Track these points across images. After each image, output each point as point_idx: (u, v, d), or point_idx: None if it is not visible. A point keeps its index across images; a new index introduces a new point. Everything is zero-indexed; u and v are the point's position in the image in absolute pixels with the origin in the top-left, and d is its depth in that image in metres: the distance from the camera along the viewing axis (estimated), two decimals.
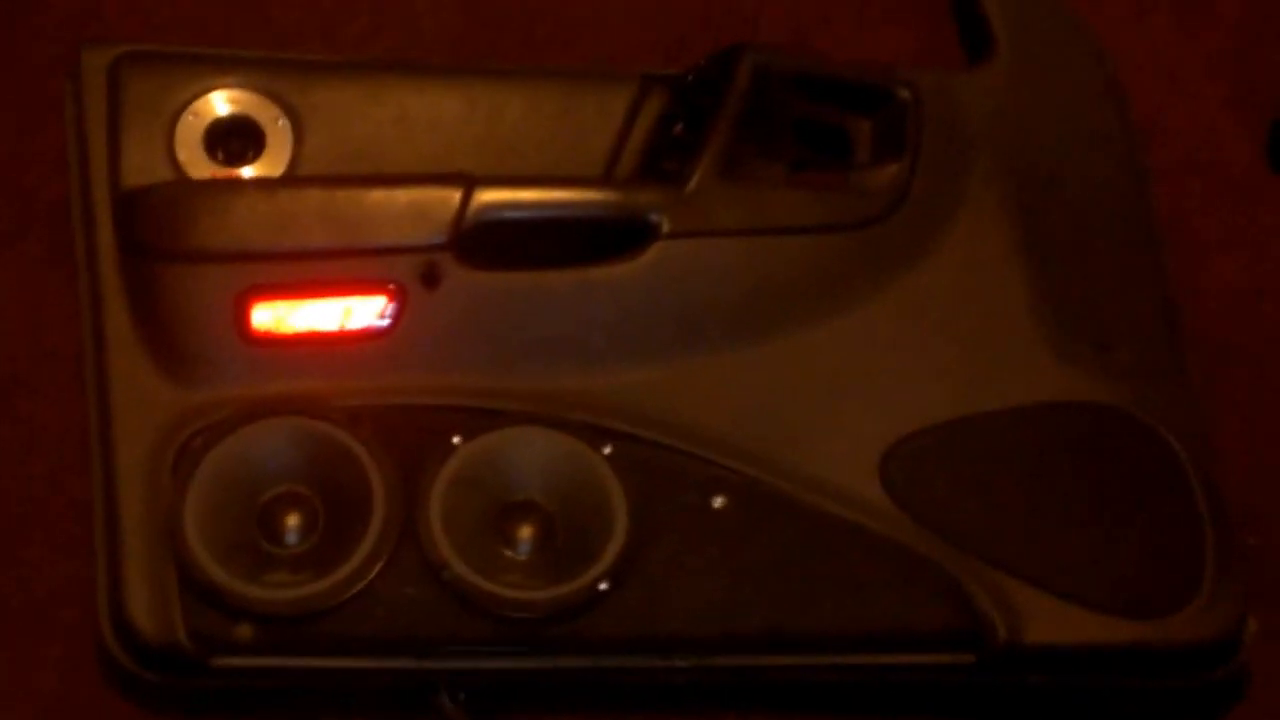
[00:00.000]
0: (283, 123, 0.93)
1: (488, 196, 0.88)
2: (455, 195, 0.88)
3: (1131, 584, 0.86)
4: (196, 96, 0.91)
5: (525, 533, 0.85)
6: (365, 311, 0.88)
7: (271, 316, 0.87)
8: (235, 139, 0.92)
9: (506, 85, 0.95)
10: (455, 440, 0.85)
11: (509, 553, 0.85)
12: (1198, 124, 1.05)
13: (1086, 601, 0.85)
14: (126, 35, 0.96)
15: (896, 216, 0.92)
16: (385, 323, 0.87)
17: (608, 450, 0.86)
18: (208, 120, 0.92)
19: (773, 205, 0.91)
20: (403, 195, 0.88)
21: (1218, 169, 1.05)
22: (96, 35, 0.95)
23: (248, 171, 0.92)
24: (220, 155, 0.92)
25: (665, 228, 0.89)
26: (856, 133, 0.95)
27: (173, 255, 0.86)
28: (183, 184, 0.88)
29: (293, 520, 0.84)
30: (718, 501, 0.86)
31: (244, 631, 0.81)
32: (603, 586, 0.83)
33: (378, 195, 0.88)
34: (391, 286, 0.87)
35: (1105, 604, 0.85)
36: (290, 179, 0.89)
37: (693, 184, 0.90)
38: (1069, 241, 0.94)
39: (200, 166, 0.91)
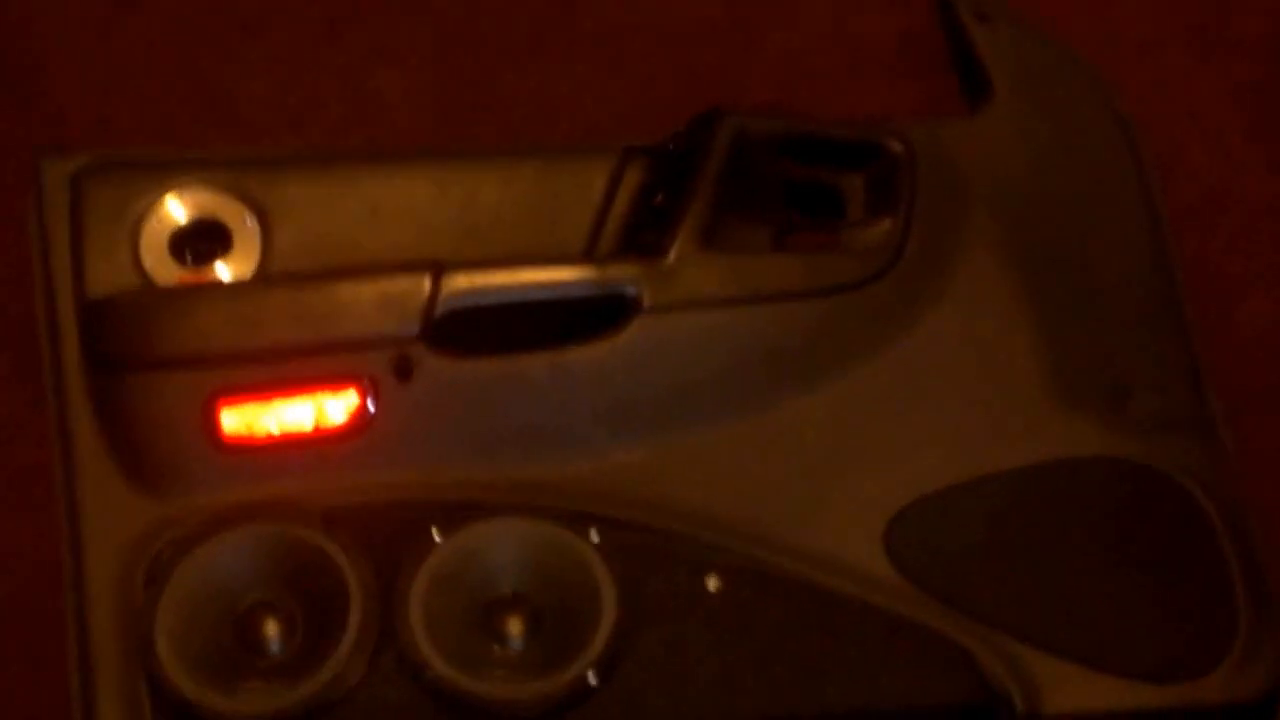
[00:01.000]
0: (250, 222, 0.92)
1: (457, 282, 0.87)
2: (424, 283, 0.87)
3: (1157, 646, 0.82)
4: (160, 201, 0.91)
5: (512, 627, 0.83)
6: (337, 408, 0.86)
7: (241, 420, 0.86)
8: (202, 241, 0.91)
9: (480, 167, 0.93)
10: (435, 536, 0.84)
11: (496, 648, 0.82)
12: (1219, 158, 1.01)
13: (1108, 667, 0.81)
14: (89, 142, 0.97)
15: (891, 274, 0.89)
16: (358, 418, 0.86)
17: (594, 536, 0.84)
18: (173, 225, 0.91)
19: (758, 271, 0.88)
20: (370, 286, 0.87)
21: (1243, 204, 1.01)
22: (58, 144, 0.96)
23: (219, 271, 0.92)
24: (188, 258, 0.92)
25: (645, 302, 0.87)
26: (849, 190, 0.94)
27: (137, 364, 0.86)
28: (143, 292, 0.88)
29: (269, 628, 0.82)
30: (712, 584, 0.83)
31: None
32: (591, 679, 0.81)
33: (345, 288, 0.87)
34: (363, 381, 0.85)
35: (1129, 668, 0.81)
36: (255, 279, 0.89)
37: (672, 255, 0.88)
38: (1079, 289, 0.91)
39: (167, 272, 0.91)
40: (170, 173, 0.92)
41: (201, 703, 0.79)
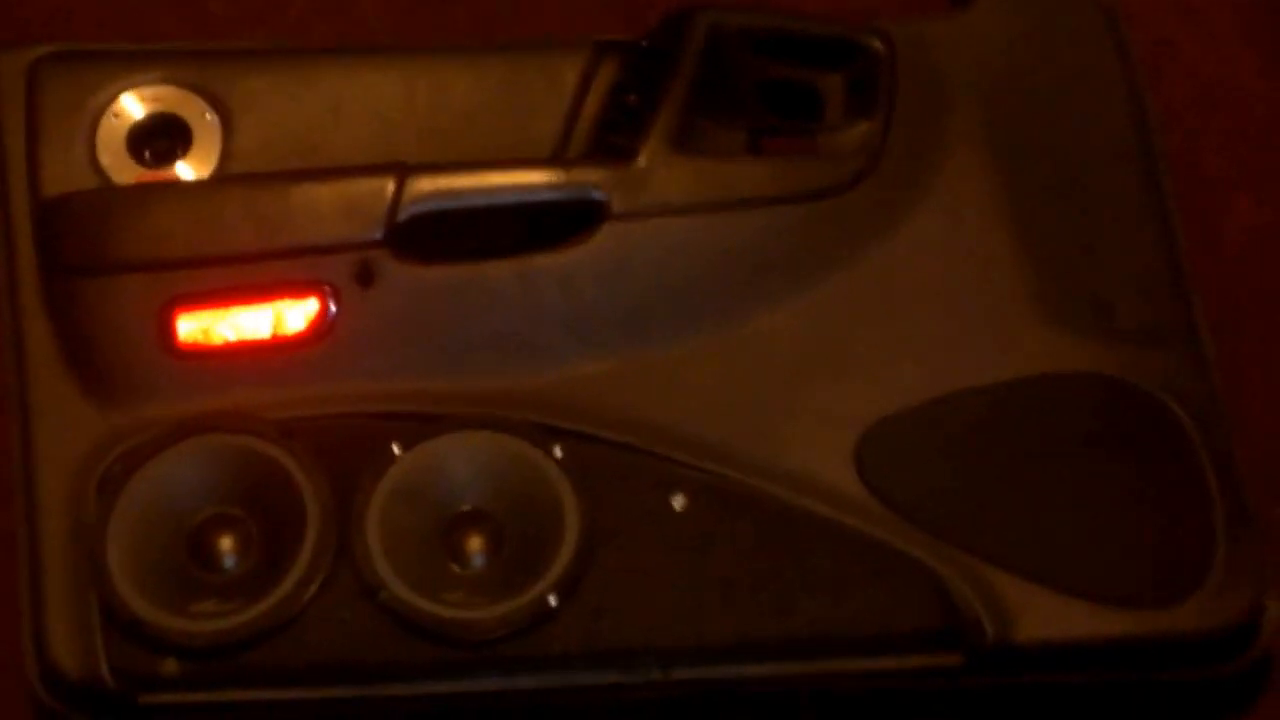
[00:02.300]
0: (210, 118, 0.88)
1: (421, 186, 0.83)
2: (387, 187, 0.83)
3: (1131, 571, 0.79)
4: (118, 96, 0.87)
5: (472, 544, 0.80)
6: (296, 316, 0.83)
7: (197, 327, 0.82)
8: (161, 138, 0.87)
9: (448, 63, 0.89)
10: (395, 449, 0.81)
11: (455, 567, 0.80)
12: (1212, 56, 0.97)
13: (1082, 592, 0.78)
14: (50, 35, 0.92)
15: (869, 181, 0.85)
16: (318, 327, 0.82)
17: (558, 452, 0.81)
18: (131, 120, 0.87)
19: (731, 176, 0.85)
20: (332, 190, 0.83)
21: (1234, 104, 0.98)
22: (12, 37, 0.92)
23: (180, 170, 0.88)
24: (147, 155, 0.88)
25: (614, 207, 0.83)
26: (827, 91, 0.90)
27: (90, 268, 0.82)
28: (97, 193, 0.84)
29: (224, 544, 0.80)
30: (678, 502, 0.81)
31: (170, 667, 0.77)
32: (552, 601, 0.78)
33: (305, 191, 0.83)
34: (324, 288, 0.82)
35: (1103, 594, 0.78)
36: (213, 180, 0.85)
37: (642, 158, 0.84)
38: (1063, 194, 0.87)
39: (125, 170, 0.87)
40: (129, 66, 0.88)
41: (152, 622, 0.77)
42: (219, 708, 0.78)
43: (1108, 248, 0.85)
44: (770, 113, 0.89)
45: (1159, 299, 0.85)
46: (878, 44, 0.88)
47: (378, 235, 0.82)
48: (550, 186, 0.84)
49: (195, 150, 0.88)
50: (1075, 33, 0.90)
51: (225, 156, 0.88)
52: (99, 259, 0.82)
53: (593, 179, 0.84)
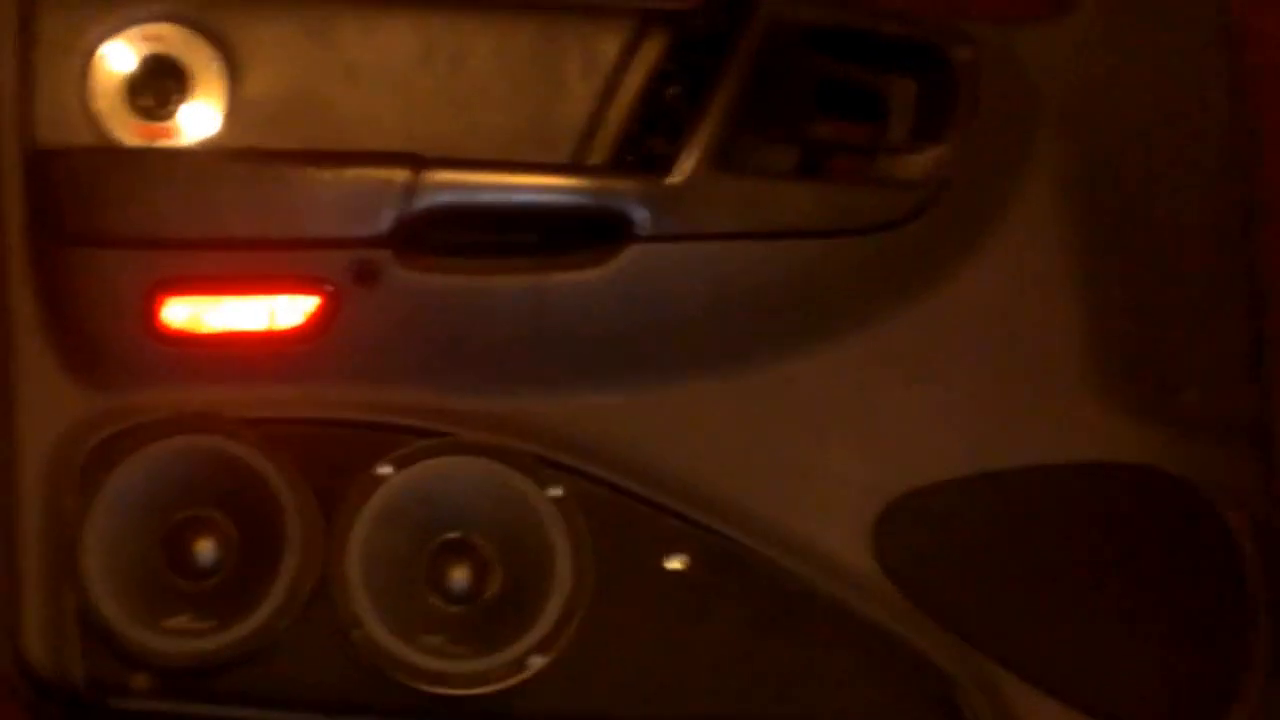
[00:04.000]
0: (215, 64, 0.81)
1: (435, 183, 0.76)
2: (397, 182, 0.76)
3: (1154, 696, 0.75)
4: (117, 32, 0.80)
5: (457, 576, 0.76)
6: (291, 312, 0.78)
7: (186, 313, 0.77)
8: (162, 82, 0.80)
9: (473, 24, 0.80)
10: (384, 470, 0.77)
11: (436, 600, 0.76)
12: None
13: (1099, 713, 0.74)
14: None
15: (927, 217, 0.78)
16: (313, 325, 0.77)
17: (557, 491, 0.76)
18: (132, 63, 0.80)
19: (775, 202, 0.77)
20: (338, 178, 0.76)
21: None
22: None
23: (180, 121, 0.82)
24: (149, 99, 0.82)
25: (642, 228, 0.77)
26: (895, 97, 0.82)
27: (77, 238, 0.77)
28: (88, 155, 0.77)
29: (203, 549, 0.76)
30: (678, 562, 0.77)
31: (141, 681, 0.75)
32: (534, 661, 0.75)
33: (310, 178, 0.76)
34: (322, 284, 0.77)
35: (1119, 717, 0.75)
36: (213, 152, 0.78)
37: (678, 173, 0.77)
38: (1140, 254, 0.80)
39: (121, 118, 0.80)
40: (131, 1, 0.81)
41: (126, 634, 0.74)
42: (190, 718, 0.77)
43: (1182, 323, 0.79)
44: (826, 116, 0.82)
45: (1229, 390, 0.78)
46: (963, 52, 0.79)
47: (383, 233, 0.76)
48: (574, 196, 0.77)
49: (198, 98, 0.81)
50: (1186, 59, 0.81)
51: (229, 109, 0.81)
52: (86, 229, 0.77)
53: (622, 193, 0.77)
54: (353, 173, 0.77)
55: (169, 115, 0.83)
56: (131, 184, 0.78)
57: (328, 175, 0.77)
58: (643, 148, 0.79)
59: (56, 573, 0.76)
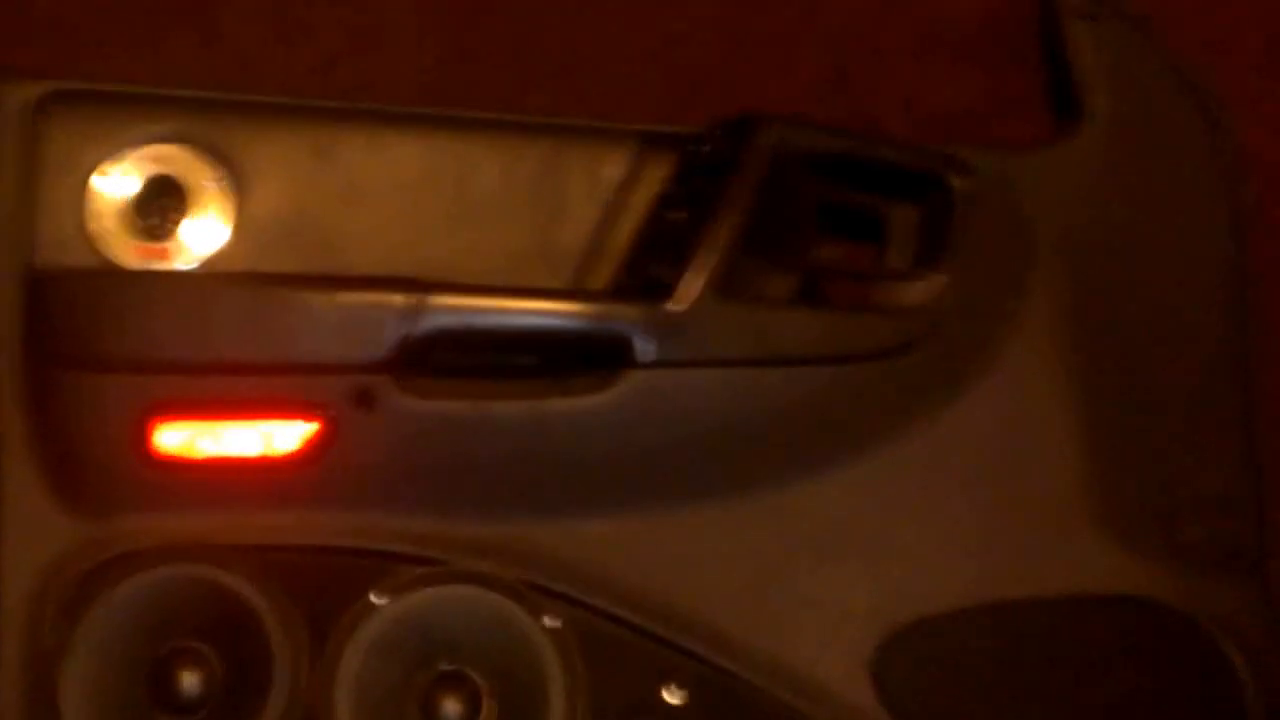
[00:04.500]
0: (217, 184, 0.81)
1: (435, 308, 0.75)
2: (397, 307, 0.76)
3: None
4: (120, 151, 0.80)
5: (449, 708, 0.75)
6: (287, 437, 0.77)
7: (180, 439, 0.77)
8: (162, 202, 0.80)
9: (478, 143, 0.81)
10: (377, 599, 0.76)
11: None
12: None
13: None
14: (47, 47, 0.84)
15: (927, 345, 0.78)
16: (309, 451, 0.76)
17: (550, 622, 0.75)
18: (131, 183, 0.80)
19: (775, 330, 0.77)
20: (337, 302, 0.76)
21: None
22: (11, 48, 0.84)
23: (181, 240, 0.81)
24: (150, 219, 0.81)
25: (644, 355, 0.76)
26: (895, 223, 0.82)
27: (71, 361, 0.76)
28: (85, 278, 0.77)
29: (187, 683, 0.75)
30: (674, 696, 0.75)
31: None
32: None
33: (309, 301, 0.76)
34: (320, 410, 0.76)
35: None
36: (211, 275, 0.78)
37: (682, 301, 0.76)
38: (1140, 383, 0.79)
39: (122, 238, 0.80)
40: (134, 115, 0.80)
41: None
42: None
43: (1181, 455, 0.78)
44: (826, 236, 0.82)
45: (1229, 522, 0.78)
46: (959, 181, 0.79)
47: (381, 359, 0.76)
48: (576, 322, 0.76)
49: (198, 218, 0.81)
50: (1188, 188, 0.81)
51: (231, 228, 0.80)
52: (81, 352, 0.76)
53: (623, 319, 0.76)
54: (352, 297, 0.77)
55: (169, 235, 0.83)
56: (128, 307, 0.77)
57: (327, 300, 0.77)
58: (645, 272, 0.80)
59: (37, 708, 0.75)
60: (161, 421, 0.76)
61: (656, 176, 0.81)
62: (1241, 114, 0.84)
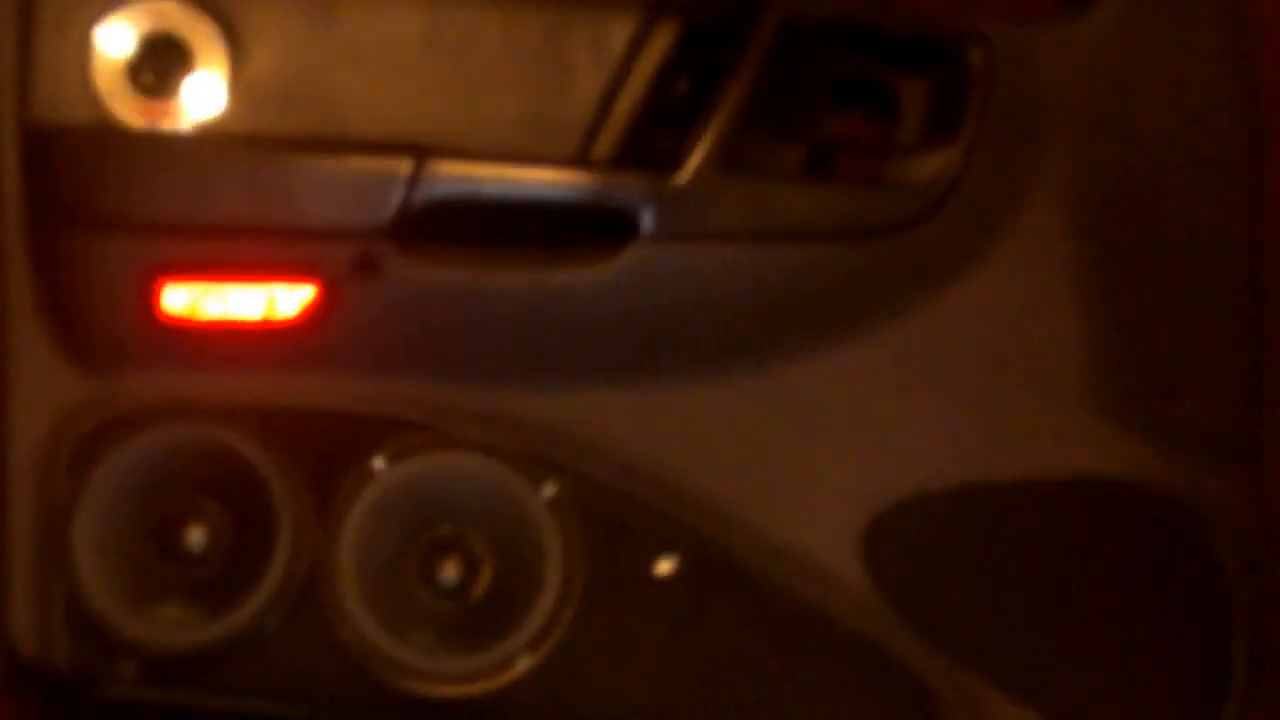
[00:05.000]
0: (217, 42, 0.80)
1: (438, 176, 0.76)
2: (400, 173, 0.76)
3: (1140, 710, 0.75)
4: (117, 9, 0.79)
5: (447, 572, 0.77)
6: (290, 300, 0.78)
7: (184, 299, 0.77)
8: (163, 59, 0.79)
9: (480, 10, 0.79)
10: (377, 464, 0.77)
11: (426, 596, 0.77)
12: None
13: None
14: None
15: (935, 222, 0.77)
16: (312, 315, 0.77)
17: (549, 491, 0.77)
18: (132, 40, 0.80)
19: (782, 203, 0.77)
20: (340, 168, 0.76)
21: None
22: None
23: (181, 101, 0.81)
24: (151, 77, 0.81)
25: (647, 227, 0.76)
26: (908, 96, 0.81)
27: (74, 220, 0.77)
28: (87, 135, 0.77)
29: (194, 536, 0.77)
30: (667, 566, 0.77)
31: (127, 669, 0.76)
32: (522, 661, 0.76)
33: (312, 165, 0.76)
34: (321, 274, 0.76)
35: None
36: (216, 137, 0.77)
37: (686, 174, 0.76)
38: (1145, 263, 0.78)
39: (122, 95, 0.79)
40: None
41: (115, 624, 0.75)
42: (175, 709, 0.77)
43: (1181, 337, 0.77)
44: (836, 110, 0.81)
45: (1223, 406, 0.77)
46: (976, 54, 0.78)
47: (384, 224, 0.76)
48: (579, 193, 0.76)
49: (200, 76, 0.81)
50: (1194, 57, 0.79)
51: (231, 88, 0.80)
52: (83, 212, 0.77)
53: (627, 191, 0.76)
54: (355, 162, 0.76)
55: (171, 93, 0.82)
56: (131, 167, 0.77)
57: (329, 165, 0.77)
58: (650, 143, 0.79)
59: (46, 559, 0.77)
60: (167, 282, 0.77)
61: (663, 45, 0.79)
62: None
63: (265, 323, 0.78)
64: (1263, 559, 0.76)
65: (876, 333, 0.78)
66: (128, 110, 0.82)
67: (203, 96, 0.82)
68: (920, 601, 0.76)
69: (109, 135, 0.78)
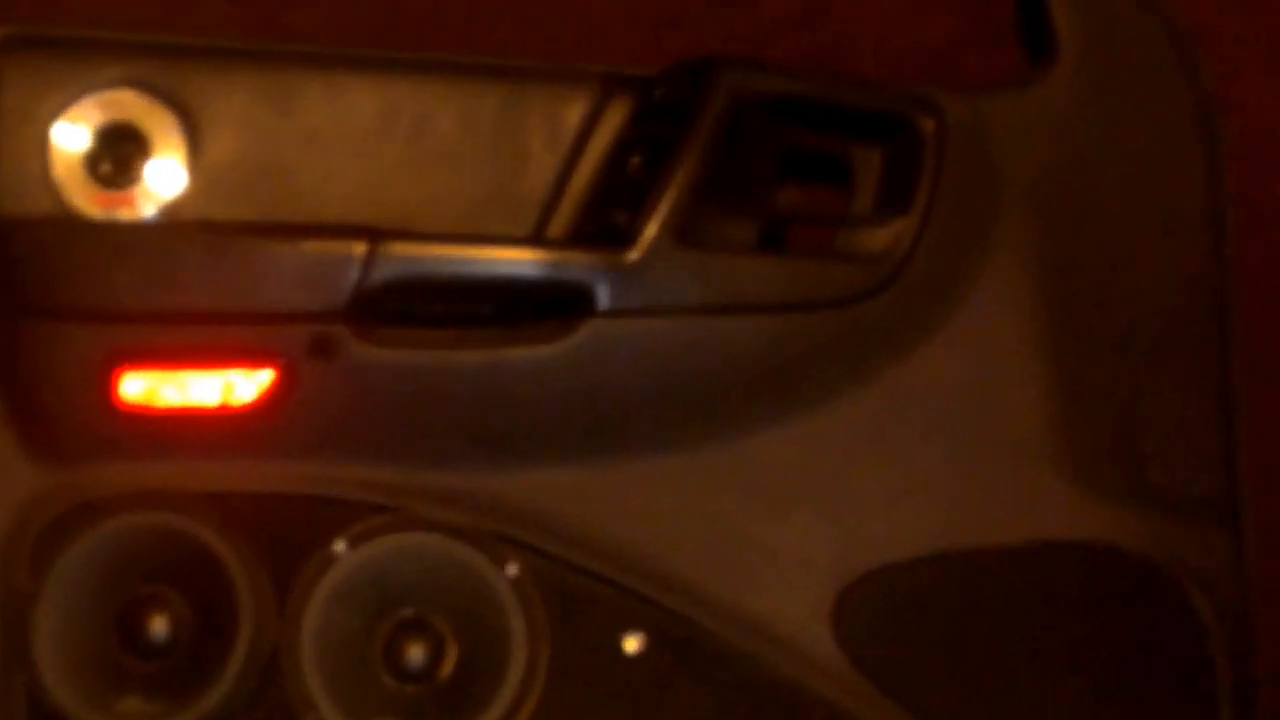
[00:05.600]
0: (175, 130, 0.81)
1: (391, 257, 0.76)
2: (354, 256, 0.76)
3: None
4: (78, 98, 0.80)
5: (412, 655, 0.76)
6: (247, 386, 0.78)
7: (143, 387, 0.78)
8: (122, 149, 0.80)
9: (437, 88, 0.80)
10: (339, 547, 0.77)
11: (390, 680, 0.76)
12: None
13: None
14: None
15: (890, 292, 0.77)
16: (269, 400, 0.77)
17: (512, 570, 0.77)
18: (90, 127, 0.80)
19: (735, 277, 0.77)
20: (295, 252, 0.76)
21: None
22: None
23: (141, 190, 0.81)
24: (110, 167, 0.81)
25: (602, 303, 0.77)
26: (860, 166, 0.81)
27: (34, 310, 0.77)
28: (47, 227, 0.77)
29: (155, 627, 0.76)
30: (634, 643, 0.76)
31: None
32: None
33: (267, 250, 0.77)
34: (278, 359, 0.77)
35: None
36: (171, 225, 0.78)
37: (637, 248, 0.76)
38: (1111, 326, 0.78)
39: (80, 187, 0.80)
40: (93, 61, 0.79)
41: (77, 718, 0.74)
42: None
43: (1151, 400, 0.78)
44: (791, 182, 0.81)
45: (1198, 468, 0.77)
46: (927, 123, 0.78)
47: (340, 307, 0.76)
48: (533, 270, 0.76)
49: (158, 165, 0.81)
50: (1161, 129, 0.79)
51: (190, 175, 0.81)
52: (44, 301, 0.77)
53: (581, 267, 0.76)
54: (309, 246, 0.77)
55: (130, 183, 0.83)
56: (90, 257, 0.77)
57: (284, 249, 0.77)
58: (605, 219, 0.80)
59: (7, 653, 0.76)
60: (125, 371, 0.77)
61: (618, 120, 0.80)
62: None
63: (223, 408, 0.78)
64: (1247, 619, 0.76)
65: (836, 404, 0.78)
66: (86, 200, 0.82)
67: (162, 183, 0.83)
68: (892, 670, 0.75)
69: (66, 226, 0.78)
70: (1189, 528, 0.77)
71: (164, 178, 0.82)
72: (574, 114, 0.80)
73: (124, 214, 0.81)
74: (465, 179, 0.81)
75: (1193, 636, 0.76)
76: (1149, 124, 0.80)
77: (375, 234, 0.77)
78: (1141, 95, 0.80)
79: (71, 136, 0.81)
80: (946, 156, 0.78)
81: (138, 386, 0.78)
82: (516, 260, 0.77)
